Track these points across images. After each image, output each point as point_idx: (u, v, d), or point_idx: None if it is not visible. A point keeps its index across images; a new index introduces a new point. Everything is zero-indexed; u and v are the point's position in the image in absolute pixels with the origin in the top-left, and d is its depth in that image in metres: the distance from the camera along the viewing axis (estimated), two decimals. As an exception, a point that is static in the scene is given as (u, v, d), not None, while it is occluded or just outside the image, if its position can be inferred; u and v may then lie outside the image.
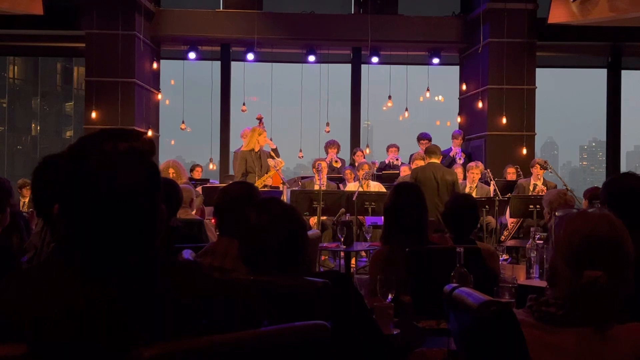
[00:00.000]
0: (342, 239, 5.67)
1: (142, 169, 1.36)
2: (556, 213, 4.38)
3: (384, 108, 12.92)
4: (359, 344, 1.99)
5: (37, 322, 1.25)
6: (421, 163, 8.73)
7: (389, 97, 12.71)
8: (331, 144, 10.19)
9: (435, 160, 7.91)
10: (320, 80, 13.16)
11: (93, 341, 1.24)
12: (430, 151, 8.05)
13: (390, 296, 2.77)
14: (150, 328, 1.28)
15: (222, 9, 12.28)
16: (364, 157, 10.47)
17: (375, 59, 12.52)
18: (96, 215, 1.31)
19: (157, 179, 1.40)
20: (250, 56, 12.20)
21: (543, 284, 1.73)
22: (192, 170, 10.78)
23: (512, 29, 11.54)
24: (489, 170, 9.25)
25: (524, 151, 11.56)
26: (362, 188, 8.13)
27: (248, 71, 13.06)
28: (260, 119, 9.12)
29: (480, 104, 11.93)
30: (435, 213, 6.86)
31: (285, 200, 7.05)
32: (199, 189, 7.90)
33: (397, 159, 10.51)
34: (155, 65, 12.46)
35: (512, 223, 8.73)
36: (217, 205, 2.96)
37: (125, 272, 1.32)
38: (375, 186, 8.47)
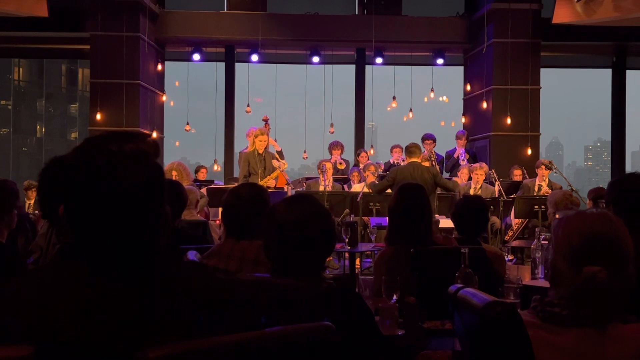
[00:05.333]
0: (347, 240, 5.67)
1: (147, 170, 1.36)
2: (557, 215, 4.37)
3: (388, 109, 12.91)
4: (364, 347, 1.98)
5: (44, 323, 1.25)
6: (425, 164, 8.72)
7: (393, 98, 12.70)
8: (335, 145, 10.18)
9: (415, 159, 7.86)
10: (324, 81, 13.17)
11: (99, 342, 1.25)
12: (410, 151, 7.97)
13: (395, 297, 2.77)
14: (156, 328, 1.28)
15: (226, 10, 12.30)
16: (368, 158, 10.47)
17: (379, 60, 12.52)
18: (100, 215, 1.32)
19: (162, 180, 1.41)
20: (254, 57, 12.22)
21: (548, 284, 1.74)
22: (196, 171, 10.80)
23: (516, 29, 11.52)
24: (493, 170, 9.24)
25: (529, 151, 11.54)
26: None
27: (252, 72, 13.09)
28: (265, 121, 9.13)
29: (484, 104, 11.93)
30: None
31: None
32: (204, 190, 7.92)
33: (402, 160, 10.49)
34: (159, 67, 12.49)
35: (517, 223, 8.72)
36: (225, 206, 2.96)
37: (130, 273, 1.32)
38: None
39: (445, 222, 7.07)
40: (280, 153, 9.04)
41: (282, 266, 2.03)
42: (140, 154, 1.36)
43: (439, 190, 7.95)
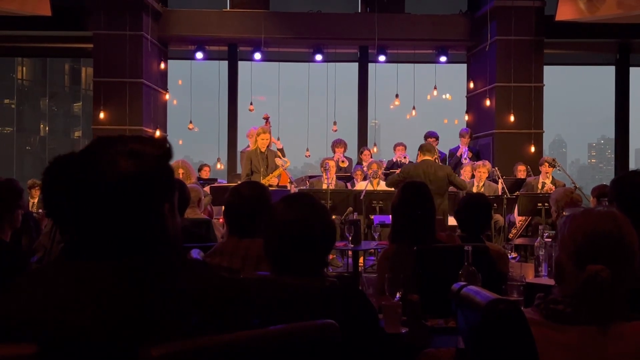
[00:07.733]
0: (350, 238, 5.67)
1: (149, 168, 1.37)
2: (564, 212, 4.37)
3: (391, 107, 12.90)
4: (367, 345, 1.98)
5: (47, 322, 1.25)
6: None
7: (396, 96, 12.69)
8: (338, 143, 10.17)
9: (429, 157, 7.79)
10: (327, 79, 13.18)
11: (102, 340, 1.25)
12: (424, 149, 7.91)
13: (398, 295, 2.77)
14: (159, 327, 1.29)
15: (229, 8, 12.30)
16: (371, 156, 10.46)
17: (382, 58, 12.51)
18: (101, 211, 1.33)
19: (171, 179, 1.42)
20: (257, 55, 12.22)
21: (551, 282, 1.74)
22: (200, 169, 10.81)
23: (519, 27, 11.50)
24: (496, 168, 9.23)
25: (532, 149, 11.53)
26: (372, 186, 8.14)
27: (255, 70, 13.09)
28: (266, 119, 9.12)
29: (487, 102, 11.90)
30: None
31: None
32: (207, 188, 7.92)
33: (404, 157, 10.48)
34: (162, 66, 12.49)
35: (520, 221, 8.71)
36: (227, 204, 2.96)
37: (134, 271, 1.33)
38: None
39: (453, 220, 7.07)
40: (281, 151, 9.03)
41: (282, 265, 2.03)
42: (144, 154, 1.37)
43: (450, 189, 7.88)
